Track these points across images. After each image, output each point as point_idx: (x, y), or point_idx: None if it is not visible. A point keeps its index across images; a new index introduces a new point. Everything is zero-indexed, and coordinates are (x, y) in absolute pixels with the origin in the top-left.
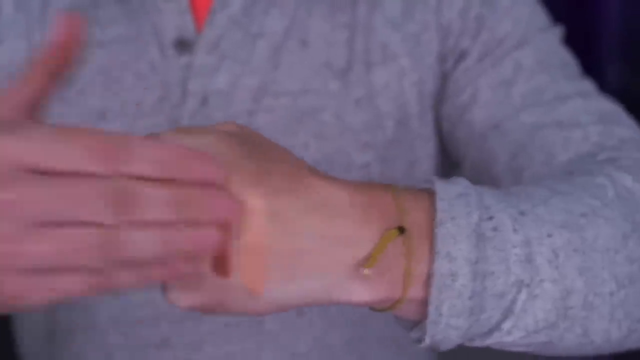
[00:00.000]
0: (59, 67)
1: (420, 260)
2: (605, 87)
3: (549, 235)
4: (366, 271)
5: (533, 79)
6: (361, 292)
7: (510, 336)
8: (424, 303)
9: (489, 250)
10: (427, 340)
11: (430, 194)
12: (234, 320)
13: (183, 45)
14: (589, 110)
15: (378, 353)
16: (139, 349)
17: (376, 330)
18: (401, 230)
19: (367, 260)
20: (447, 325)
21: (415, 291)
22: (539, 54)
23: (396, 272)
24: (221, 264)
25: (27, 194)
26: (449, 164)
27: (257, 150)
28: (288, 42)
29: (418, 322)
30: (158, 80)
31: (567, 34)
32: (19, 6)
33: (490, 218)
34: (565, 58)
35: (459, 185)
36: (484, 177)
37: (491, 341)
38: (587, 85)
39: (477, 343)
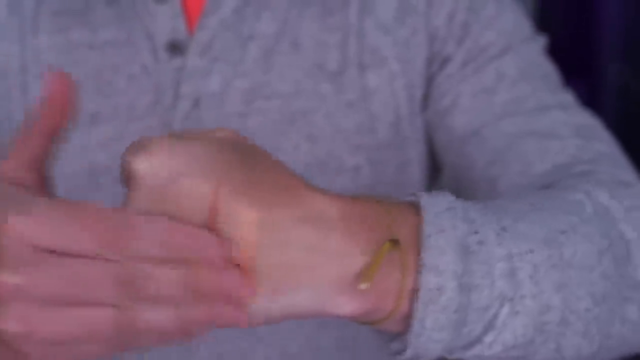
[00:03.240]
0: (55, 124)
1: (407, 273)
2: (605, 86)
3: (531, 251)
4: (363, 285)
5: (514, 88)
6: (350, 306)
7: (490, 350)
8: (407, 316)
9: (474, 264)
10: (409, 353)
11: (416, 207)
12: None
13: (175, 48)
14: (568, 122)
15: (369, 353)
16: (132, 351)
17: (366, 331)
18: (394, 243)
19: (364, 275)
20: (429, 339)
21: (402, 304)
22: (522, 63)
23: (384, 286)
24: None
25: (40, 276)
26: (435, 170)
27: (249, 160)
28: (280, 45)
29: (399, 334)
30: (150, 83)
31: (567, 33)
32: (12, 9)
33: (476, 232)
34: (547, 69)
35: (445, 199)
36: (462, 182)
37: (471, 354)
38: (568, 98)
39: (457, 355)
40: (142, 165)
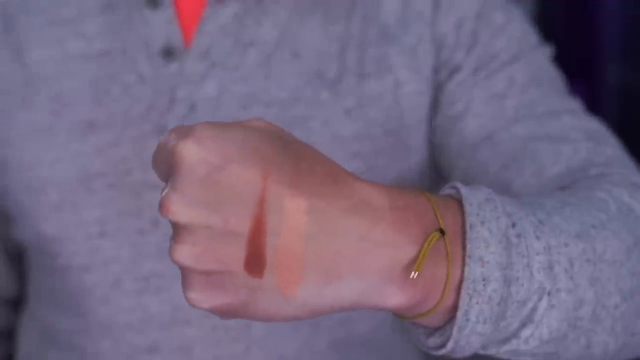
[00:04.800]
0: None
1: (452, 264)
2: (605, 86)
3: (566, 245)
4: (413, 274)
5: (525, 94)
6: (397, 297)
7: (526, 345)
8: (451, 308)
9: (514, 257)
10: (449, 346)
11: (456, 199)
12: (221, 325)
13: (170, 53)
14: (578, 127)
15: (363, 355)
16: (128, 354)
17: (361, 333)
18: (441, 233)
19: (414, 264)
20: (472, 331)
21: (448, 296)
22: (531, 70)
23: (431, 277)
24: (254, 262)
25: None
26: (436, 177)
27: (292, 149)
28: (279, 52)
29: (438, 328)
30: (146, 90)
31: (567, 34)
32: (7, 26)
33: (514, 225)
34: (555, 76)
35: (483, 191)
36: None
37: (507, 349)
38: (575, 104)
39: (492, 351)
40: (192, 150)
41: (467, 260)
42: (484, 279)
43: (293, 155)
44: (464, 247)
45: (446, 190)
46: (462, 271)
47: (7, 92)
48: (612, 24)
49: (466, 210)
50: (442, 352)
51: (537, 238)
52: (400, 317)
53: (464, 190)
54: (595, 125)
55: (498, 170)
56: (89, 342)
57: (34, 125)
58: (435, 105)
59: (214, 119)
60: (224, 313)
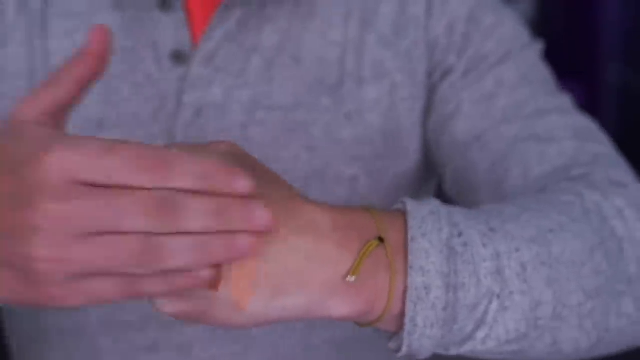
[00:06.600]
0: (87, 75)
1: (395, 275)
2: (605, 86)
3: (517, 250)
4: (350, 278)
5: (514, 94)
6: (341, 308)
7: (484, 345)
8: (401, 315)
9: (459, 265)
10: (404, 350)
11: (404, 214)
12: None
13: (179, 57)
14: (566, 125)
15: (360, 353)
16: (128, 353)
17: (357, 330)
18: (380, 241)
19: (351, 269)
20: (422, 336)
21: (393, 304)
22: (521, 70)
23: (374, 287)
24: (211, 280)
25: (79, 206)
26: (429, 177)
27: (254, 172)
28: (281, 58)
29: (396, 333)
30: (154, 91)
31: (567, 34)
32: (20, 9)
33: (460, 234)
34: (545, 74)
35: (430, 204)
36: (464, 186)
37: (466, 349)
38: (565, 101)
39: (453, 351)
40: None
41: (409, 270)
42: (425, 287)
43: (254, 179)
44: (407, 259)
45: (396, 206)
46: (406, 281)
47: (18, 76)
48: (612, 24)
49: (409, 224)
50: (401, 355)
51: (484, 245)
52: (357, 324)
53: (409, 206)
54: (583, 123)
55: (488, 170)
56: (88, 340)
57: None
58: (428, 107)
59: (219, 125)
60: (187, 319)
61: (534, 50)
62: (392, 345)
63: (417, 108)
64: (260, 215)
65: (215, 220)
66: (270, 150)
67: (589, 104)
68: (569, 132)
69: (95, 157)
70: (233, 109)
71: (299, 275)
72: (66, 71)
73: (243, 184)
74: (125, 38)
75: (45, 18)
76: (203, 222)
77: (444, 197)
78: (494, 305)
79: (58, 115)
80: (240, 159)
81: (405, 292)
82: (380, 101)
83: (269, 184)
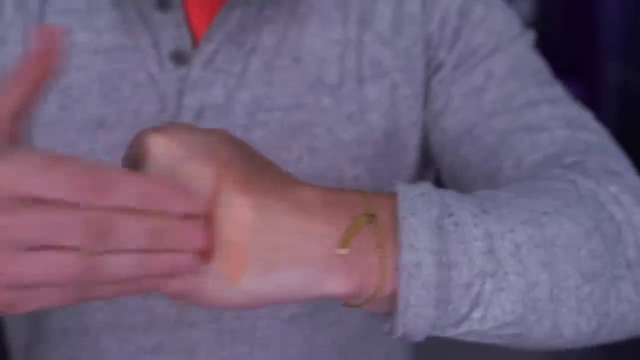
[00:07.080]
0: (41, 76)
1: (387, 255)
2: (605, 85)
3: (511, 231)
4: (341, 251)
5: (503, 86)
6: (334, 284)
7: (481, 326)
8: (393, 296)
9: (451, 243)
10: (399, 330)
11: (395, 196)
12: (227, 327)
13: (180, 58)
14: (557, 115)
15: (365, 354)
16: (132, 354)
17: (359, 330)
18: (370, 217)
19: (340, 242)
20: (416, 315)
21: (385, 283)
22: (510, 61)
23: (364, 264)
24: (203, 252)
25: (17, 221)
26: (427, 173)
27: (247, 154)
28: (280, 59)
29: (389, 314)
30: (155, 91)
31: (567, 33)
32: (18, 7)
33: (451, 215)
34: (536, 64)
35: (421, 187)
36: (460, 181)
37: (462, 330)
38: (557, 91)
39: (450, 333)
40: (160, 144)
41: (399, 248)
42: (415, 265)
43: (247, 160)
44: (397, 238)
45: (389, 189)
46: (396, 259)
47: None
48: (612, 23)
49: (399, 204)
50: (396, 335)
51: (475, 225)
52: (351, 306)
53: (401, 188)
54: (575, 112)
55: (480, 164)
56: (92, 341)
57: (42, 118)
58: (425, 104)
59: (222, 127)
60: (174, 297)
61: (525, 41)
62: (386, 327)
63: (418, 106)
64: (197, 236)
65: (151, 240)
66: (273, 152)
67: (590, 103)
68: (561, 122)
69: (33, 173)
70: (234, 111)
71: (291, 250)
72: (17, 75)
73: (184, 202)
74: (126, 36)
75: (43, 16)
76: (138, 242)
77: None
78: (488, 285)
79: (13, 121)
80: (236, 141)
81: (396, 271)
82: (381, 101)
83: (265, 165)
